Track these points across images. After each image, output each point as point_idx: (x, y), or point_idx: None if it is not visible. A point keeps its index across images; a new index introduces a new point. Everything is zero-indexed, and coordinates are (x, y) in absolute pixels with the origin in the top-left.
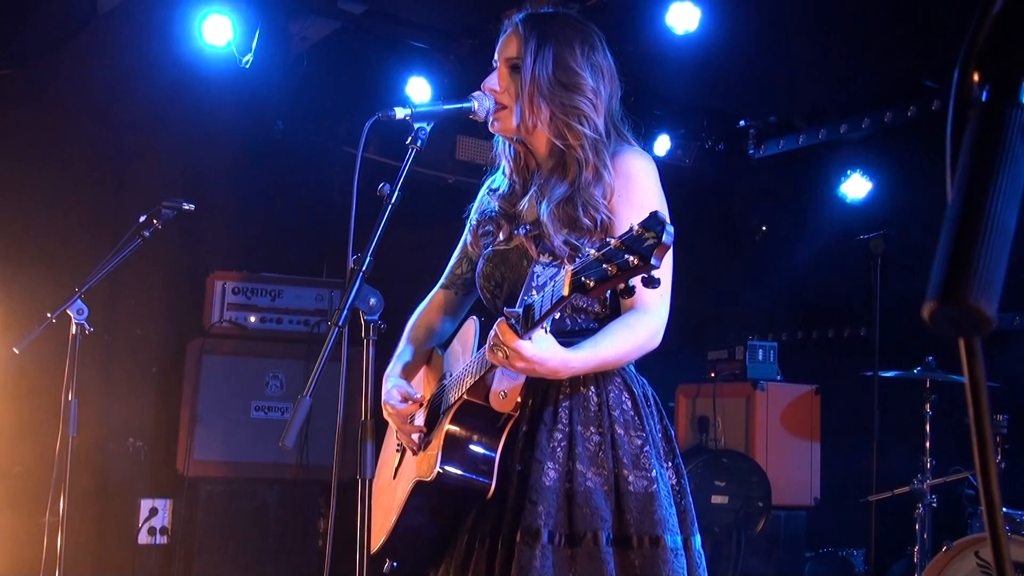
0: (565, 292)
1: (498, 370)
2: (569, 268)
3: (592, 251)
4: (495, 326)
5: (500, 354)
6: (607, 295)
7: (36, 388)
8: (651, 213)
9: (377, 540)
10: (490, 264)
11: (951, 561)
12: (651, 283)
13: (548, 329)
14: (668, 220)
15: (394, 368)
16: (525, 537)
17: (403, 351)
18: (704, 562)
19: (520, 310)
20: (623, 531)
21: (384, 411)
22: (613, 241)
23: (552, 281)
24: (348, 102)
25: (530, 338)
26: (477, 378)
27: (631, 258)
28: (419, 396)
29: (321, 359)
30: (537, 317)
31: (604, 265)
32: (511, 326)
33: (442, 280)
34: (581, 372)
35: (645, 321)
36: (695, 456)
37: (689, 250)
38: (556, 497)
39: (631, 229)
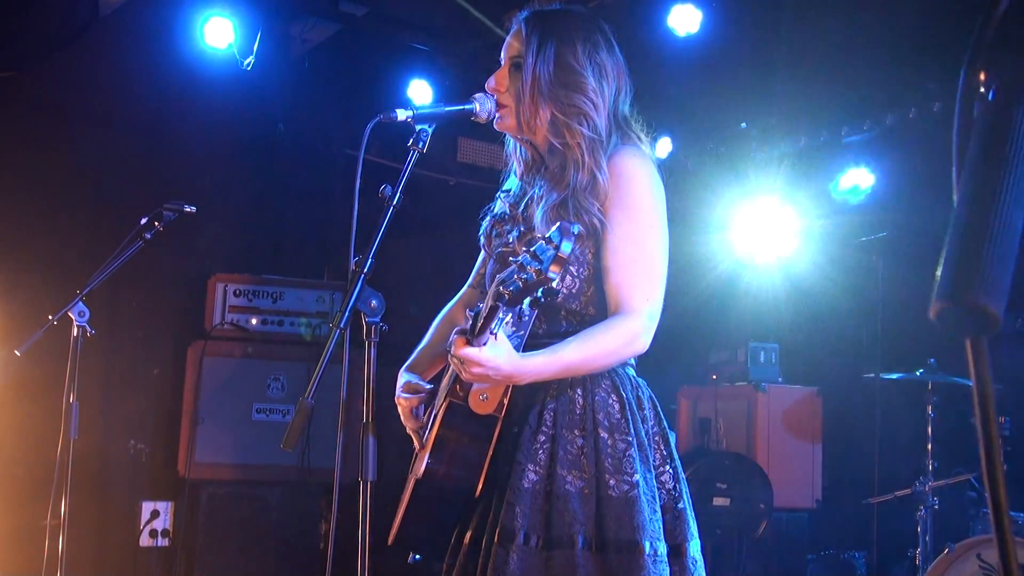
0: (489, 302)
1: None
2: (498, 279)
3: (516, 263)
4: (451, 338)
5: (455, 362)
6: (591, 294)
7: (37, 390)
8: (559, 224)
9: (394, 531)
10: (497, 264)
11: (953, 563)
12: (550, 294)
13: (496, 335)
14: (572, 231)
15: (408, 363)
16: (501, 538)
17: (421, 346)
18: (701, 568)
19: (473, 314)
20: (601, 536)
21: (398, 406)
22: (528, 252)
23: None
24: (349, 104)
25: (483, 344)
26: (454, 380)
27: (534, 269)
28: (428, 387)
29: (322, 361)
30: (484, 324)
31: (516, 276)
32: (466, 331)
33: (469, 280)
34: (541, 378)
35: (623, 326)
36: (697, 458)
37: (691, 252)
38: (534, 499)
39: (541, 239)
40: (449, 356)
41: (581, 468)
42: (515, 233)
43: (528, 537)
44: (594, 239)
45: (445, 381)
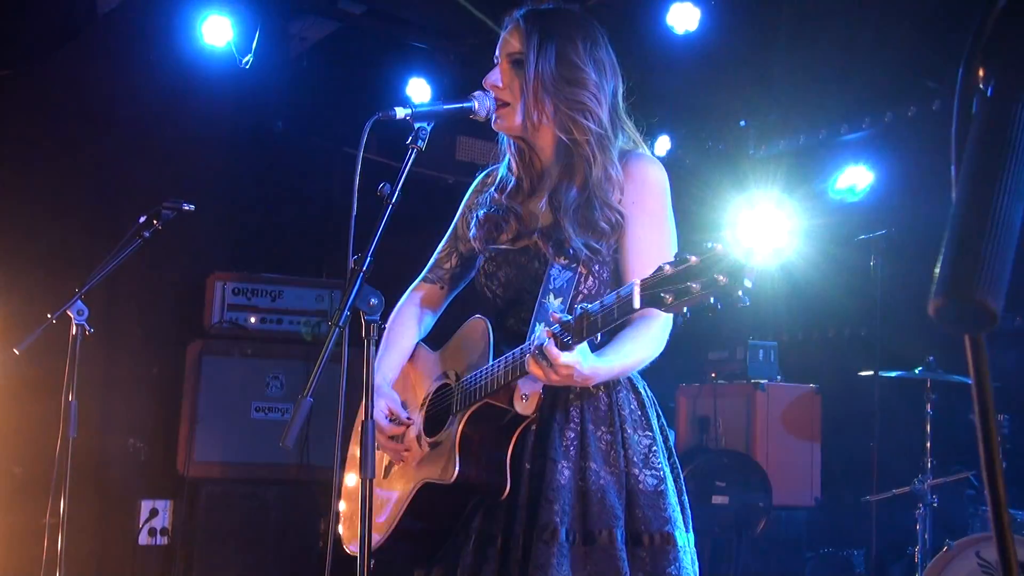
0: (637, 305)
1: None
2: (638, 281)
3: (667, 267)
4: (539, 341)
5: (543, 364)
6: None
7: (36, 389)
8: (728, 234)
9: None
10: (493, 263)
11: (952, 561)
12: (736, 303)
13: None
14: (738, 238)
15: (384, 375)
16: (542, 535)
17: (390, 355)
18: (696, 560)
19: (571, 319)
20: (634, 528)
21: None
22: (692, 258)
23: (615, 293)
24: (348, 102)
25: (572, 348)
26: (503, 383)
27: (719, 276)
28: (408, 418)
29: (321, 359)
30: (600, 327)
31: (689, 283)
32: (556, 334)
33: (426, 274)
34: (607, 378)
35: (657, 327)
36: (696, 456)
37: (689, 249)
38: (570, 495)
39: (712, 248)
40: (531, 358)
41: (612, 463)
42: (537, 234)
43: (568, 534)
44: (616, 236)
45: (415, 379)
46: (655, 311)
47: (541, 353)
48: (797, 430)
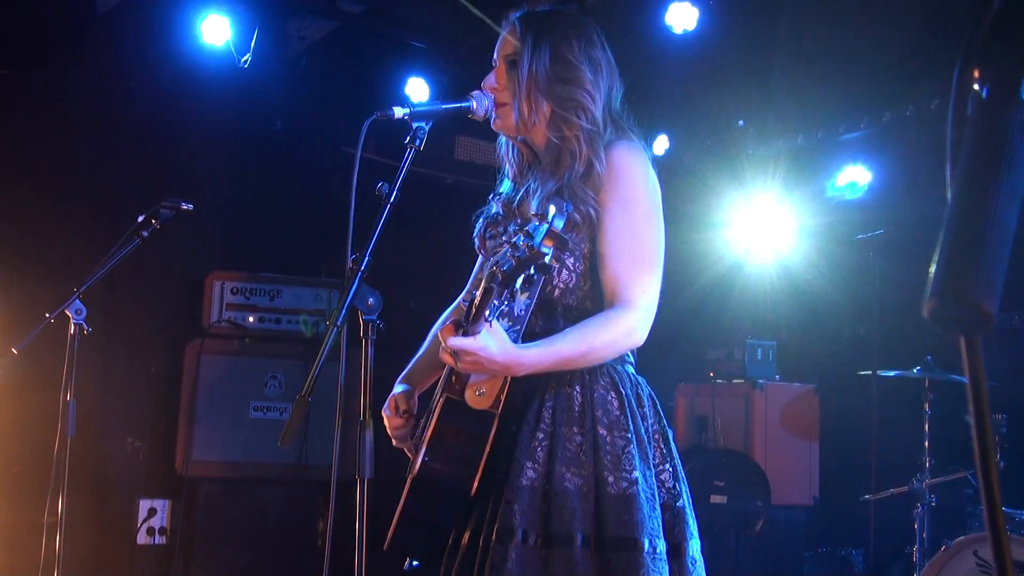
0: (483, 284)
1: None
2: (492, 260)
3: (507, 242)
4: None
5: (447, 351)
6: (588, 289)
7: (35, 388)
8: (552, 200)
9: (389, 536)
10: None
11: (950, 560)
12: (544, 271)
13: (491, 323)
14: (565, 208)
15: (403, 373)
16: (499, 536)
17: (418, 355)
18: (701, 568)
19: (467, 303)
20: (600, 533)
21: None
22: (521, 231)
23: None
24: (347, 102)
25: (476, 333)
26: (449, 375)
27: (526, 245)
28: (413, 408)
29: (320, 359)
30: (477, 312)
31: (510, 255)
32: (455, 323)
33: (467, 285)
34: (538, 369)
35: (620, 318)
36: (694, 456)
37: (688, 250)
38: (533, 497)
39: (534, 217)
40: (441, 349)
41: (580, 465)
42: (512, 227)
43: (527, 535)
44: (590, 230)
45: (442, 379)
46: (622, 302)
47: (440, 339)
48: (795, 429)
